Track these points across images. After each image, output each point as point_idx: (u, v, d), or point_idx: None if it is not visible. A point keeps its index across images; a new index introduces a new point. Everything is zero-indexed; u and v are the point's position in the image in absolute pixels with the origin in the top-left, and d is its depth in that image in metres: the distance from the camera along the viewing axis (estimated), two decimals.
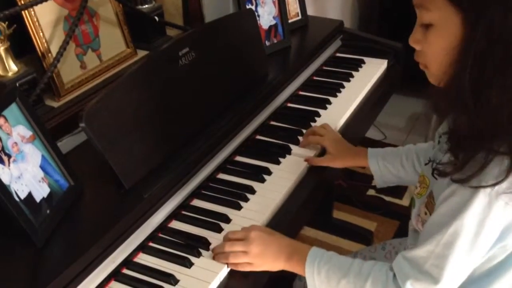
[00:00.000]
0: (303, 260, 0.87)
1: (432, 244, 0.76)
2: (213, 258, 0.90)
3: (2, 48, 1.01)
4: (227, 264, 0.89)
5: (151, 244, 0.94)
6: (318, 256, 0.87)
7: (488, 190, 0.72)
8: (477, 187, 0.72)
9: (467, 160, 0.72)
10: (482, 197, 0.72)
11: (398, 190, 2.08)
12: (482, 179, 0.71)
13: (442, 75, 0.75)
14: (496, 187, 0.71)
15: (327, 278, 0.85)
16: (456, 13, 0.70)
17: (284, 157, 1.14)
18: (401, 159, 1.09)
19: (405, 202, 2.05)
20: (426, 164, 0.90)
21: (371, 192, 2.10)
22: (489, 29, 0.67)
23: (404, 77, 1.57)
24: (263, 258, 0.89)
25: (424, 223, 0.87)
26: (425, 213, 0.87)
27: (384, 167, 1.11)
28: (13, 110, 0.86)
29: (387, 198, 2.06)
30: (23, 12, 1.05)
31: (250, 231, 0.91)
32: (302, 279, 1.18)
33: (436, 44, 0.74)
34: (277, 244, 0.91)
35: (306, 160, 1.13)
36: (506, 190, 0.71)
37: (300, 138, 1.20)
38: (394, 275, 0.81)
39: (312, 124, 1.24)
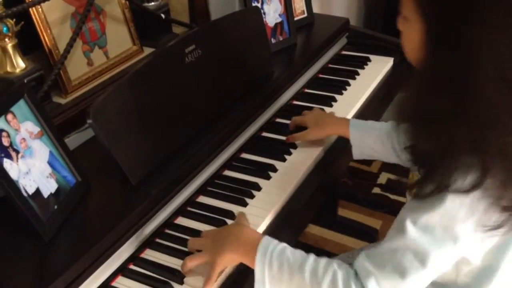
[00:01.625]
0: (252, 247, 0.81)
1: (401, 239, 0.73)
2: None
3: (10, 45, 1.02)
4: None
5: (157, 240, 0.94)
6: (269, 250, 0.80)
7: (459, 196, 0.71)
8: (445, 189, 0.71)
9: (431, 176, 0.72)
10: (455, 198, 0.71)
11: (403, 188, 2.08)
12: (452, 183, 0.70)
13: (416, 64, 0.78)
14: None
15: (280, 273, 0.78)
16: (420, 17, 0.72)
17: (289, 154, 1.15)
18: (382, 137, 1.07)
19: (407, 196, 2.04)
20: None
21: (376, 190, 2.10)
22: (449, 46, 0.69)
23: (410, 75, 1.57)
24: (218, 253, 0.84)
25: None
26: None
27: (363, 140, 1.09)
28: (21, 106, 0.87)
29: (393, 196, 2.06)
30: (30, 9, 1.06)
31: (207, 231, 0.90)
32: None
33: (407, 37, 0.78)
34: (233, 235, 0.85)
35: (287, 139, 1.15)
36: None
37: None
38: (356, 273, 0.76)
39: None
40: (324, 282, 0.75)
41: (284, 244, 0.82)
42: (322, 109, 1.28)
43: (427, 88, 0.72)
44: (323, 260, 0.79)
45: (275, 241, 0.82)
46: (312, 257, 0.80)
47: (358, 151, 1.12)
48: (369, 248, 0.79)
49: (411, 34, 0.75)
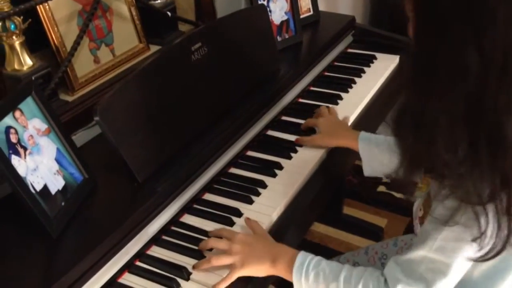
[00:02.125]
0: (291, 264, 0.84)
1: (425, 249, 0.75)
2: (193, 267, 0.87)
3: (18, 42, 1.02)
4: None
5: (164, 237, 0.95)
6: (307, 261, 0.84)
7: None
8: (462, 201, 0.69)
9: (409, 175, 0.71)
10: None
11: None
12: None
13: None
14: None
15: (316, 283, 0.81)
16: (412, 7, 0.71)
17: (295, 152, 1.15)
18: (391, 151, 1.03)
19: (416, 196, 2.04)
20: None
21: (381, 188, 2.10)
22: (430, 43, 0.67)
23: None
24: (246, 259, 0.86)
25: (419, 220, 0.87)
26: (420, 209, 0.87)
27: (372, 154, 1.08)
28: (29, 104, 0.88)
29: (398, 195, 2.06)
30: (38, 7, 1.06)
31: (235, 234, 0.90)
32: None
33: (413, 25, 0.74)
34: (262, 245, 0.88)
35: (296, 140, 1.15)
36: None
37: (312, 133, 1.20)
38: (386, 280, 0.79)
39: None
40: None
41: (319, 257, 0.85)
42: (328, 107, 1.28)
43: (409, 83, 0.70)
44: (357, 269, 0.82)
45: (311, 255, 0.85)
46: (346, 266, 0.82)
47: (369, 166, 1.10)
48: (400, 254, 0.80)
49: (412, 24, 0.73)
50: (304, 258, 0.85)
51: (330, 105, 1.30)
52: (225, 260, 0.86)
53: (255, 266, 0.86)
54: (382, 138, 1.08)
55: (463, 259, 0.74)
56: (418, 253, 0.76)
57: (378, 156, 1.07)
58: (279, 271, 0.86)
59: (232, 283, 0.86)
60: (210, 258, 0.87)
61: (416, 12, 0.70)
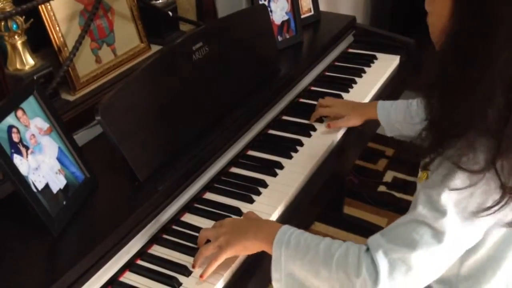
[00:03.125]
0: (273, 234, 0.84)
1: (413, 214, 0.75)
2: (193, 266, 0.88)
3: (20, 42, 1.03)
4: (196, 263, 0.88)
5: (164, 236, 0.95)
6: (290, 231, 0.84)
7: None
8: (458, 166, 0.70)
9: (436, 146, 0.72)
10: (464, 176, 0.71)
11: (410, 187, 2.08)
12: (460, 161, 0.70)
13: (438, 42, 0.76)
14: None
15: (295, 251, 0.81)
16: None
17: (296, 151, 1.15)
18: (409, 112, 1.12)
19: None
20: None
21: (382, 188, 2.10)
22: (474, 17, 0.68)
23: (416, 73, 1.57)
24: (232, 237, 0.86)
25: None
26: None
27: (391, 118, 1.17)
28: (31, 103, 0.88)
29: (398, 194, 2.06)
30: (40, 7, 1.07)
31: (223, 220, 0.92)
32: None
33: (434, 11, 0.76)
34: (248, 223, 0.90)
35: (328, 125, 1.21)
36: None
37: (312, 132, 1.21)
38: (368, 249, 0.78)
39: (324, 119, 1.25)
40: (335, 255, 0.78)
41: (302, 230, 0.85)
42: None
43: (447, 57, 0.71)
44: (338, 240, 0.81)
45: (294, 227, 0.86)
46: (328, 238, 0.82)
47: (389, 128, 1.19)
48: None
49: (440, 9, 0.73)
50: (287, 228, 0.85)
51: None
52: (212, 246, 0.87)
53: (240, 242, 0.86)
54: (399, 102, 1.17)
55: (457, 225, 0.72)
56: (406, 218, 0.76)
57: (398, 119, 1.15)
58: (261, 242, 0.86)
59: (233, 282, 0.87)
60: (200, 250, 0.88)
61: None
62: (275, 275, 0.83)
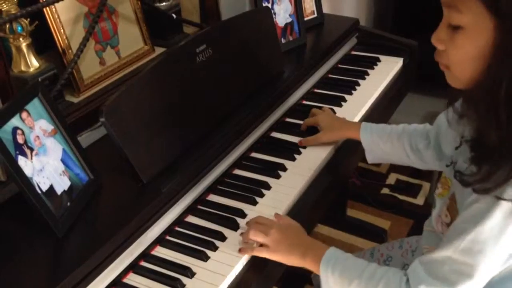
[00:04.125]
0: (318, 258, 0.87)
1: (450, 250, 0.75)
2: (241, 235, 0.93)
3: (24, 44, 1.03)
4: (246, 243, 0.92)
5: (168, 237, 0.95)
6: (334, 257, 0.87)
7: (509, 204, 0.70)
8: (499, 198, 0.70)
9: (491, 173, 0.70)
10: (504, 207, 0.71)
11: (413, 189, 2.08)
12: (503, 191, 0.70)
13: (466, 79, 0.72)
14: None
15: (341, 278, 0.84)
16: (490, 18, 0.65)
17: (299, 153, 1.15)
18: (392, 139, 1.09)
19: (419, 201, 2.04)
20: (447, 166, 0.88)
21: (385, 190, 2.10)
22: None
23: (419, 75, 1.57)
24: (279, 245, 0.90)
25: (444, 225, 0.87)
26: (446, 215, 0.86)
27: (374, 142, 1.11)
28: (35, 105, 0.88)
29: (401, 197, 2.06)
30: (44, 9, 1.07)
31: (278, 218, 0.95)
32: None
33: (464, 48, 0.70)
34: (296, 237, 0.92)
35: (300, 142, 1.17)
36: None
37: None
38: (408, 280, 0.80)
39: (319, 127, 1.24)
40: (378, 286, 0.80)
41: (348, 254, 0.88)
42: (332, 109, 1.29)
43: (497, 92, 0.67)
44: (381, 267, 0.83)
45: (340, 251, 0.88)
46: (372, 265, 0.84)
47: (371, 155, 1.13)
48: (424, 255, 0.81)
49: (470, 42, 0.68)
50: (332, 253, 0.87)
51: (334, 107, 1.30)
52: (261, 238, 0.90)
53: (285, 255, 0.90)
54: (384, 128, 1.11)
55: (490, 261, 0.74)
56: (442, 254, 0.76)
57: (381, 146, 1.10)
58: (308, 264, 0.89)
59: (237, 281, 0.87)
60: (249, 230, 0.91)
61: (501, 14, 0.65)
62: None
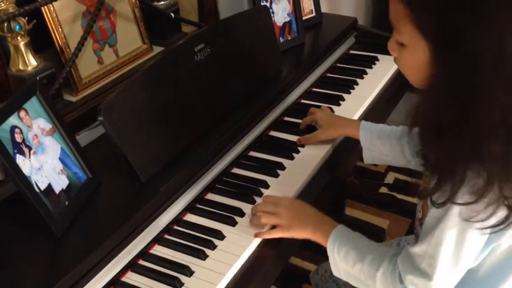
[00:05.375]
0: (326, 236, 0.91)
1: (425, 244, 0.79)
2: (250, 221, 0.96)
3: (22, 43, 1.03)
4: (260, 225, 0.94)
5: (166, 236, 0.95)
6: (339, 237, 0.90)
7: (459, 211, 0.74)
8: (452, 202, 0.74)
9: (437, 187, 0.74)
10: (456, 213, 0.74)
11: (411, 188, 2.08)
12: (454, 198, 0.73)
13: (417, 84, 0.79)
14: (465, 214, 0.73)
15: (345, 259, 0.88)
16: (423, 39, 0.72)
17: (297, 152, 1.15)
18: (391, 140, 1.09)
19: (417, 200, 2.04)
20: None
21: (383, 189, 2.11)
22: (457, 58, 0.69)
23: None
24: (292, 222, 0.93)
25: (418, 221, 0.91)
26: (419, 211, 0.90)
27: (373, 142, 1.11)
28: (33, 103, 0.88)
29: (400, 196, 2.06)
30: (42, 8, 1.07)
31: (282, 198, 0.98)
32: (319, 272, 1.19)
33: (408, 61, 0.78)
34: (307, 212, 0.95)
35: (298, 140, 1.17)
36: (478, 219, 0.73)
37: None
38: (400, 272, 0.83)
39: (316, 125, 1.24)
40: (377, 274, 0.85)
41: (356, 234, 0.93)
42: (331, 108, 1.29)
43: (436, 102, 0.73)
44: (382, 254, 0.87)
45: (347, 231, 0.93)
46: (375, 250, 0.88)
47: (369, 154, 1.13)
48: (410, 246, 0.84)
49: (412, 57, 0.76)
50: (338, 233, 0.91)
51: (333, 106, 1.30)
52: (273, 220, 0.94)
53: (299, 230, 0.94)
54: (384, 129, 1.11)
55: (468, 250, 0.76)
56: (420, 248, 0.80)
57: (379, 146, 1.10)
58: (317, 238, 0.93)
59: (235, 282, 0.87)
60: (260, 216, 0.94)
61: (428, 33, 0.72)
62: (334, 270, 0.91)
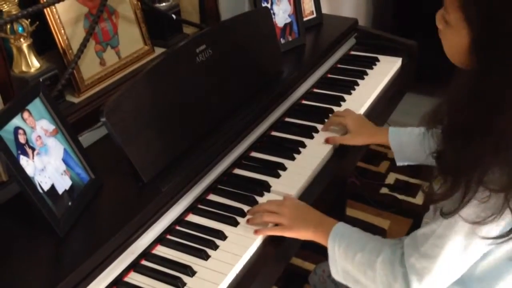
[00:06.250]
0: (327, 234, 0.92)
1: (435, 224, 0.79)
2: (247, 221, 0.96)
3: (25, 44, 1.04)
4: (263, 223, 0.95)
5: (168, 236, 0.96)
6: (340, 232, 0.91)
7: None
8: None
9: (448, 193, 0.75)
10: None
11: (412, 189, 2.09)
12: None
13: (454, 61, 0.79)
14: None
15: (345, 252, 0.89)
16: (467, 28, 0.73)
17: (299, 153, 1.16)
18: (419, 141, 1.08)
19: (418, 200, 2.05)
20: None
21: (384, 190, 2.11)
22: (492, 62, 0.70)
23: (418, 75, 1.58)
24: (294, 221, 0.94)
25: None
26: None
27: (402, 146, 1.13)
28: (37, 105, 0.89)
29: (400, 196, 2.07)
30: (45, 9, 1.08)
31: (286, 199, 1.00)
32: (317, 272, 1.19)
33: (449, 40, 0.78)
34: (308, 212, 0.97)
35: (327, 140, 1.18)
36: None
37: (315, 134, 1.21)
38: (403, 254, 0.84)
39: (326, 120, 1.26)
40: (377, 260, 0.85)
41: (355, 229, 0.93)
42: (331, 109, 1.30)
43: (464, 97, 0.73)
44: (381, 241, 0.89)
45: (347, 227, 0.93)
46: (375, 238, 0.89)
47: (400, 155, 1.16)
48: (417, 230, 0.84)
49: (454, 38, 0.76)
50: (339, 229, 0.92)
51: (334, 107, 1.31)
52: (276, 219, 0.95)
53: (300, 230, 0.95)
54: (411, 130, 1.14)
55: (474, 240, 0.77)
56: (430, 227, 0.80)
57: (410, 149, 1.13)
58: (318, 238, 0.94)
59: (237, 282, 0.88)
60: (263, 215, 0.95)
61: (471, 21, 0.72)
62: (332, 269, 0.92)
